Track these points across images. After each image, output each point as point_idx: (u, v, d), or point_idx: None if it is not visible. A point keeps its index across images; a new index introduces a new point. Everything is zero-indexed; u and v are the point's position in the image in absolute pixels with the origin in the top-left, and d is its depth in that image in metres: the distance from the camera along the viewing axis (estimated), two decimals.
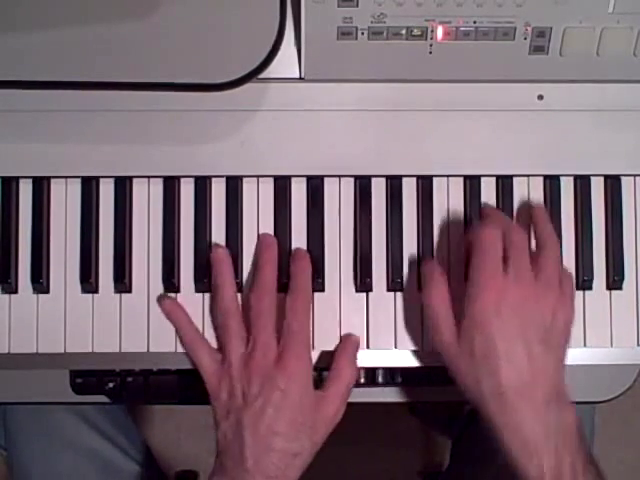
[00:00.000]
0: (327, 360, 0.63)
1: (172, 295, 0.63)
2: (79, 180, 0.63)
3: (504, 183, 0.64)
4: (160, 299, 0.63)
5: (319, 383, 0.62)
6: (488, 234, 0.59)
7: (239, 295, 0.63)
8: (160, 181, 0.64)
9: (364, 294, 0.64)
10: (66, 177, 0.63)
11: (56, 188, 0.64)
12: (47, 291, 0.63)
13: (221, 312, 0.61)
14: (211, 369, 0.60)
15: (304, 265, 0.62)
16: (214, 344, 0.63)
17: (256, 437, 0.57)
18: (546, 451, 0.55)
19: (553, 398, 0.56)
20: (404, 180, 0.64)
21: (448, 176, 0.64)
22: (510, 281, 0.57)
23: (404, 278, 0.64)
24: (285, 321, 0.60)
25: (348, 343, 0.62)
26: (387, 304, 0.64)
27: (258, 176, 0.64)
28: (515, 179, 0.64)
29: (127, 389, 0.68)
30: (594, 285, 0.64)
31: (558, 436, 0.56)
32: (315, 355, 0.63)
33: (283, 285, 0.62)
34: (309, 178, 0.64)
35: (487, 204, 0.64)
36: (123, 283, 0.63)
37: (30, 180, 0.63)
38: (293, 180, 0.64)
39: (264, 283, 0.61)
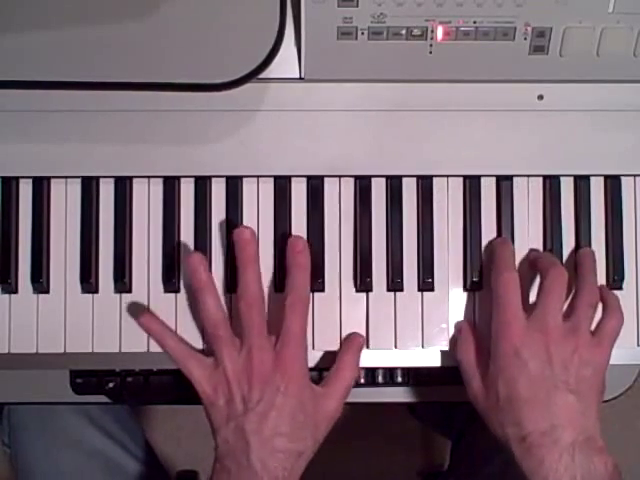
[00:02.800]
0: (328, 360, 0.63)
1: (171, 295, 0.63)
2: (79, 180, 0.63)
3: (504, 183, 0.64)
4: (136, 315, 0.62)
5: (319, 383, 0.62)
6: (504, 281, 0.59)
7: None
8: (160, 181, 0.64)
9: (364, 294, 0.64)
10: (66, 177, 0.63)
11: (56, 188, 0.64)
12: (47, 291, 0.63)
13: (208, 323, 0.60)
14: (204, 378, 0.59)
15: (302, 261, 0.61)
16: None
17: (261, 440, 0.57)
18: None
19: (580, 443, 0.55)
20: (404, 180, 0.64)
21: (448, 176, 0.64)
22: (532, 323, 0.57)
23: (404, 278, 0.64)
24: (284, 322, 0.59)
25: (352, 343, 0.62)
26: (387, 304, 0.64)
27: (258, 176, 0.64)
28: (515, 179, 0.64)
29: (127, 389, 0.68)
30: None
31: None
32: (315, 355, 0.63)
33: (281, 283, 0.62)
34: (309, 178, 0.64)
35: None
36: (123, 283, 0.63)
37: (30, 180, 0.63)
38: (293, 180, 0.64)
39: (250, 286, 0.60)
